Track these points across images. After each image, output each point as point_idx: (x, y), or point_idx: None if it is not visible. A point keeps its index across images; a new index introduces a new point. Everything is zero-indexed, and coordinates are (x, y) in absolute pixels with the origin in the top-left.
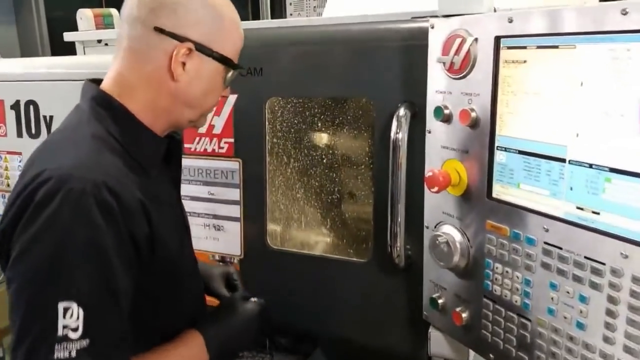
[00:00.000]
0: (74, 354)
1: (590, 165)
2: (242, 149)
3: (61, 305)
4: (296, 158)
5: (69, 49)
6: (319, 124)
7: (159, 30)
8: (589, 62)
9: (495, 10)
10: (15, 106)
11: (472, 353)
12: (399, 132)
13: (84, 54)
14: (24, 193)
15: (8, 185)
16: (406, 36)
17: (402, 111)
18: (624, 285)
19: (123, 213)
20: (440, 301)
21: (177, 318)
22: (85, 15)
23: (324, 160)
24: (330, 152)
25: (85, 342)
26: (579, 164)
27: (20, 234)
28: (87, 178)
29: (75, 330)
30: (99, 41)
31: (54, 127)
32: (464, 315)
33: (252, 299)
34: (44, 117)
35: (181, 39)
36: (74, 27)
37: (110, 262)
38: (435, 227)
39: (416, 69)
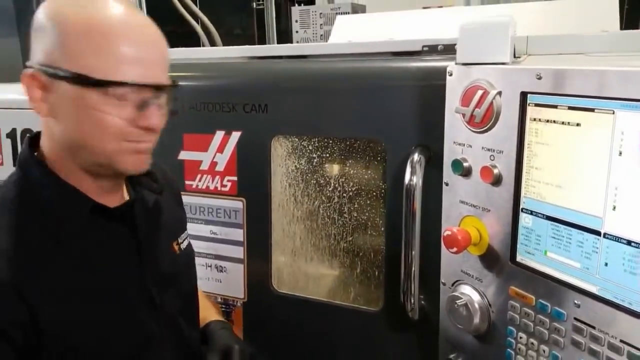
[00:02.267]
0: None
1: (629, 242)
2: (245, 188)
3: None
4: (303, 199)
5: None
6: (329, 164)
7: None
8: (629, 131)
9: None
10: (11, 134)
11: None
12: (413, 178)
13: None
14: None
15: None
16: (420, 75)
17: (416, 156)
18: None
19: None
20: None
21: None
22: None
23: (333, 202)
24: (340, 193)
25: None
26: (616, 239)
27: None
28: None
29: None
30: None
31: None
32: None
33: None
34: None
35: (27, 67)
36: None
37: None
38: (452, 285)
39: (431, 110)
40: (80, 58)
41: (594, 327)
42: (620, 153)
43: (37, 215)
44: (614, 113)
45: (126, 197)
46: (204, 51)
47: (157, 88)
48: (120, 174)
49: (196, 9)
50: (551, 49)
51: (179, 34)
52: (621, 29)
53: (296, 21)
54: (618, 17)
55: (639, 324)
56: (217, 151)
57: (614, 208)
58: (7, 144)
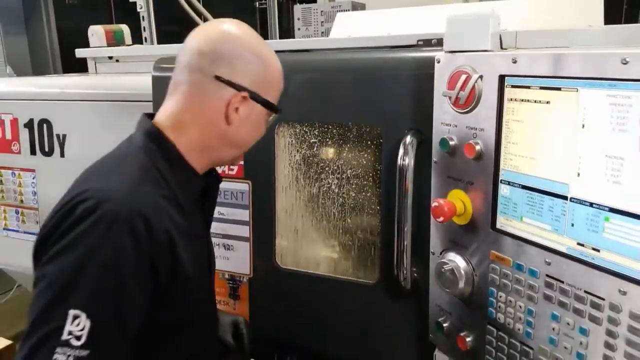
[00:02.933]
0: (71, 359)
1: (591, 204)
2: (251, 171)
3: (71, 313)
4: (305, 181)
5: (80, 62)
6: (329, 149)
7: (218, 79)
8: (590, 106)
9: (501, 39)
10: (29, 124)
11: None
12: (405, 158)
13: (96, 70)
14: (65, 207)
15: (21, 201)
16: (413, 65)
17: (408, 138)
18: (622, 320)
19: (151, 243)
20: (445, 325)
21: (189, 344)
22: (96, 32)
23: (333, 184)
24: (339, 175)
25: (84, 353)
26: (580, 202)
27: (54, 242)
28: (124, 205)
29: (78, 338)
30: (110, 57)
31: (67, 146)
32: (468, 340)
33: None
34: (57, 135)
35: (238, 87)
36: (84, 40)
37: (127, 287)
38: (440, 253)
39: (423, 97)
40: (271, 92)
41: (562, 282)
42: (583, 126)
43: (177, 183)
44: (577, 91)
45: None
46: None
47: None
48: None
49: (201, 8)
50: (538, 42)
51: (185, 33)
52: (622, 23)
53: (298, 19)
54: (602, 13)
55: (599, 275)
56: None
57: (579, 175)
58: (24, 133)
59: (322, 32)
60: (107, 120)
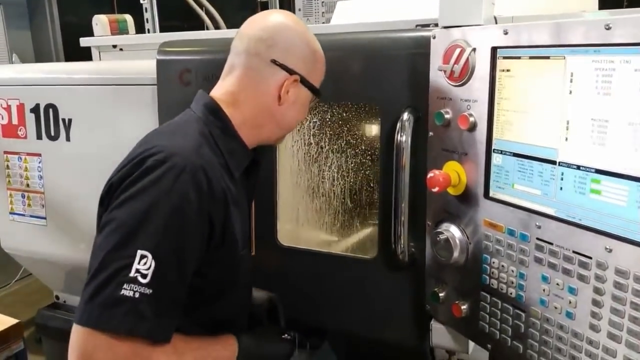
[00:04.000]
0: (137, 295)
1: (578, 167)
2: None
3: (139, 252)
4: (306, 162)
5: (82, 53)
6: (328, 128)
7: (274, 62)
8: (576, 73)
9: (495, 19)
10: (35, 109)
11: (471, 343)
12: (402, 135)
13: (100, 58)
14: (136, 159)
15: (27, 185)
16: (411, 45)
17: (405, 115)
18: (608, 277)
19: (210, 196)
20: (441, 295)
21: (222, 310)
22: (100, 21)
23: (333, 163)
24: (339, 154)
25: (148, 291)
26: (568, 165)
27: (125, 189)
28: (190, 160)
29: (144, 277)
30: (114, 46)
31: (73, 130)
32: (463, 307)
33: (287, 336)
34: (63, 120)
35: (291, 71)
36: (86, 32)
37: (188, 233)
38: (436, 224)
39: (420, 75)
40: (316, 77)
41: (552, 244)
42: (570, 92)
43: (230, 154)
44: (564, 58)
45: None
46: (219, 33)
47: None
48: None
49: (205, 1)
50: None
51: (186, 26)
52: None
53: (299, 10)
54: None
55: (586, 235)
56: None
57: (566, 139)
58: (30, 117)
59: (324, 23)
60: (112, 104)
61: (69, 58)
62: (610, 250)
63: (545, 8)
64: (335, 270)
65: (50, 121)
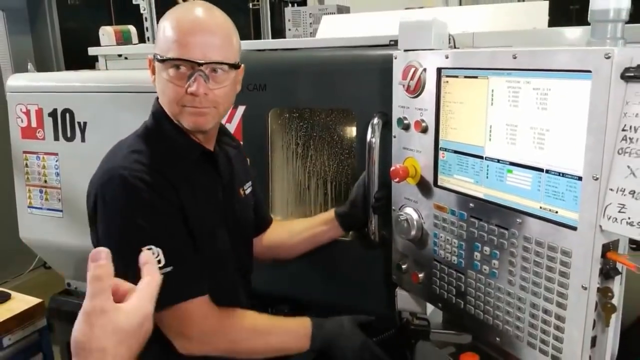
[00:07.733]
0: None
1: (498, 160)
2: (249, 151)
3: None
4: (293, 157)
5: (83, 61)
6: (312, 130)
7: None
8: (496, 89)
9: (452, 38)
10: (53, 114)
11: (429, 306)
12: (373, 136)
13: (106, 66)
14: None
15: (45, 181)
16: (380, 61)
17: (376, 120)
18: (519, 243)
19: (157, 182)
20: (403, 266)
21: (219, 287)
22: (107, 32)
23: (316, 159)
24: (321, 152)
25: (169, 269)
26: (491, 159)
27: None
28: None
29: (159, 262)
30: (120, 55)
31: (87, 132)
32: (420, 275)
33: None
34: (79, 123)
35: (154, 55)
36: (85, 39)
37: (162, 214)
38: (399, 208)
39: (388, 86)
40: (161, 45)
41: (481, 220)
42: (492, 104)
43: (166, 149)
44: (488, 78)
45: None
46: None
47: (195, 63)
48: (196, 132)
49: None
50: (491, 42)
51: None
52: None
53: (289, 20)
54: (547, 17)
55: (504, 212)
56: (227, 121)
57: (490, 139)
58: (48, 121)
59: (311, 33)
60: (122, 109)
61: (68, 64)
62: (521, 223)
63: (502, 25)
64: (317, 251)
65: (67, 124)
